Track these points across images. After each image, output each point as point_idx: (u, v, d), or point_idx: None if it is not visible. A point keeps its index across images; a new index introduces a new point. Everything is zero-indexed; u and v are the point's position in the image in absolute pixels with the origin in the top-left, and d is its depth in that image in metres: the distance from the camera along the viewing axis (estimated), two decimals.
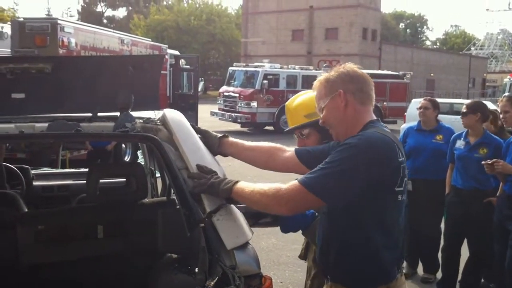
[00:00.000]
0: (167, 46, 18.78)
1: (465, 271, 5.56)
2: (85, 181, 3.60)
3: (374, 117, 2.44)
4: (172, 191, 3.80)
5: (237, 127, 24.37)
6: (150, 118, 3.00)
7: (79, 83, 2.91)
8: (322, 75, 2.54)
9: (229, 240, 2.48)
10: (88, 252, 3.43)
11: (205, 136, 2.88)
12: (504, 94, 5.24)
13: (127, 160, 10.37)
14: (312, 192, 2.17)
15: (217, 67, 61.66)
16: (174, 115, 2.95)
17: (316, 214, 2.81)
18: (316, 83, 2.54)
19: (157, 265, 3.27)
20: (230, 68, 27.07)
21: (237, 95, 23.89)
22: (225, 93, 24.82)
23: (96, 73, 2.92)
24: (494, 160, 4.70)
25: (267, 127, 24.54)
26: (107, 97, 2.92)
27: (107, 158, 9.47)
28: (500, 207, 4.87)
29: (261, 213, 2.79)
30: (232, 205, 2.63)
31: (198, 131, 2.89)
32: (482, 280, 5.71)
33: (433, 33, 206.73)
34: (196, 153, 2.75)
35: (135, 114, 3.03)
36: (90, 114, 2.97)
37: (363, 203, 2.22)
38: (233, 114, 23.55)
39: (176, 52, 19.92)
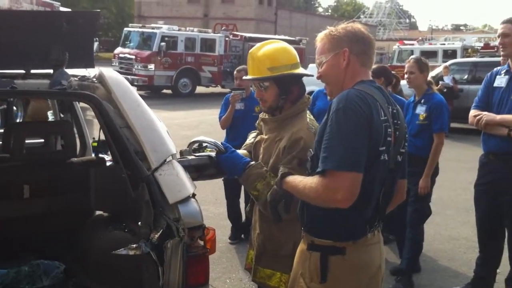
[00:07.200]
0: (59, 3, 17.92)
1: None
2: None
3: (369, 78, 2.41)
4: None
5: None
6: (85, 76, 2.96)
7: (10, 38, 2.80)
8: (328, 29, 2.44)
9: (171, 194, 2.56)
10: (13, 212, 3.36)
11: None
12: (412, 56, 5.57)
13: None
14: (343, 170, 2.10)
15: (109, 27, 59.46)
16: (111, 73, 2.94)
17: (251, 162, 2.88)
18: (321, 36, 2.44)
19: (89, 223, 3.28)
20: (125, 28, 26.26)
21: (133, 57, 23.32)
22: (121, 55, 24.12)
23: (28, 29, 2.82)
24: None
25: (165, 91, 24.25)
26: (40, 53, 2.84)
27: None
28: None
29: (204, 165, 2.88)
30: (174, 161, 2.70)
31: None
32: (384, 233, 6.15)
33: (325, 0, 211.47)
34: (136, 109, 2.77)
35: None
36: (23, 71, 2.88)
37: None
38: (129, 76, 22.72)
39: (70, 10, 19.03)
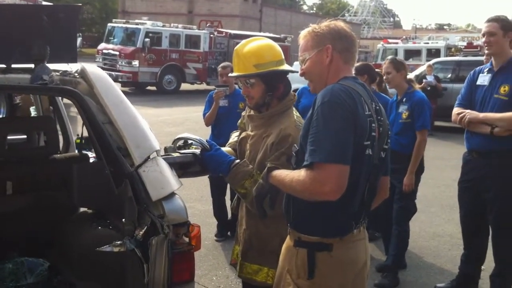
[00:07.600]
0: None
1: None
2: None
3: (352, 75, 2.44)
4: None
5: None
6: (67, 70, 2.91)
7: None
8: (311, 26, 2.46)
9: (154, 191, 2.53)
10: None
11: None
12: (387, 57, 5.60)
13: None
14: (331, 162, 2.10)
15: (92, 23, 59.08)
16: (93, 69, 2.90)
17: (236, 161, 2.85)
18: (304, 33, 2.46)
19: (73, 220, 3.23)
20: (109, 24, 26.07)
21: (117, 53, 23.16)
22: (104, 51, 23.94)
23: (9, 22, 2.76)
24: None
25: (149, 87, 24.11)
26: (21, 47, 2.78)
27: None
28: None
29: (188, 162, 2.85)
30: (158, 157, 2.67)
31: None
32: (370, 230, 6.19)
33: None
34: (119, 105, 2.73)
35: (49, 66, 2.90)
36: (3, 66, 2.82)
37: None
38: (113, 73, 22.49)
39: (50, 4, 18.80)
